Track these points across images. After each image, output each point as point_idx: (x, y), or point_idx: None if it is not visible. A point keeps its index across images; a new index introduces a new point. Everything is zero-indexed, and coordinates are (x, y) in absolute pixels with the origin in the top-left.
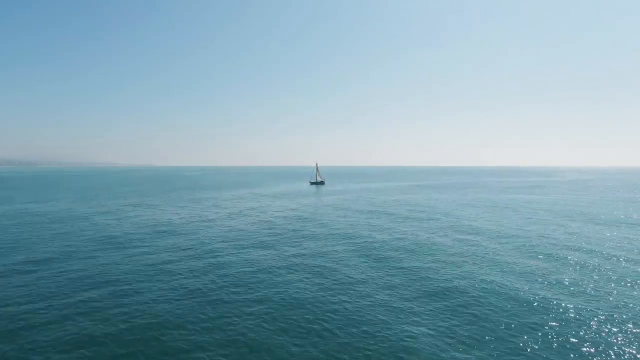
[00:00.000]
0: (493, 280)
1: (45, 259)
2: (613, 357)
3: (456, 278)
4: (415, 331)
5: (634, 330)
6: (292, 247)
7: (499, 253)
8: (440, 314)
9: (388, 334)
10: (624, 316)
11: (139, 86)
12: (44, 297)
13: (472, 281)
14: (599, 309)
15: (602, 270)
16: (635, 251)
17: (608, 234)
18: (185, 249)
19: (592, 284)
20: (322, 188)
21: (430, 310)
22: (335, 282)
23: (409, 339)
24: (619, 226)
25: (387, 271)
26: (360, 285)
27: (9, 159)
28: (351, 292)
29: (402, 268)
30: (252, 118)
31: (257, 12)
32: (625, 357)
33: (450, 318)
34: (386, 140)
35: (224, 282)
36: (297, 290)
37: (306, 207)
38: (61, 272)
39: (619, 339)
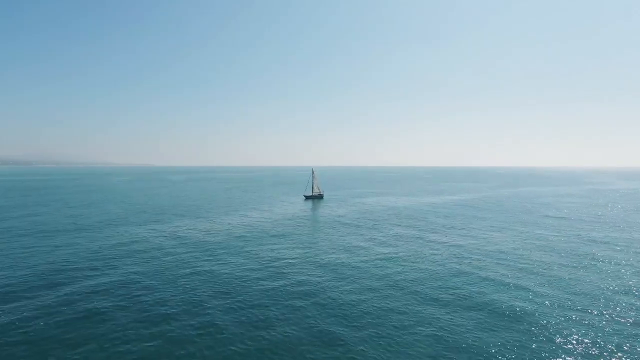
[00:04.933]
0: None
1: None
2: None
3: None
4: None
5: None
6: None
7: None
8: None
9: None
10: None
11: (138, 86)
12: None
13: None
14: None
15: None
16: None
17: None
18: None
19: None
20: (320, 207)
21: None
22: None
23: None
24: None
25: None
26: None
27: (5, 159)
28: None
29: None
30: (252, 118)
31: (257, 12)
32: None
33: None
34: (387, 140)
35: None
36: None
37: (281, 296)
38: None
39: None
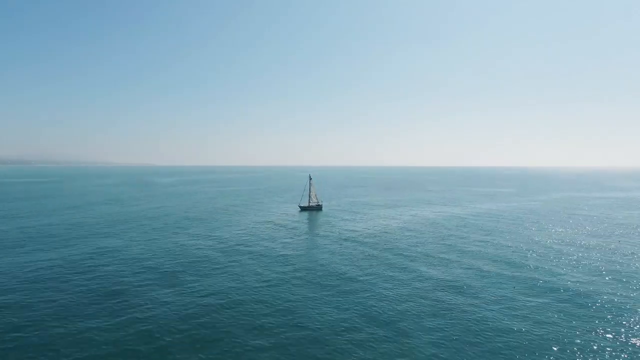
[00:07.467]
0: None
1: None
2: None
3: None
4: None
5: None
6: None
7: None
8: None
9: None
10: None
11: (138, 86)
12: None
13: None
14: None
15: None
16: None
17: None
18: None
19: None
20: (317, 223)
21: None
22: None
23: None
24: None
25: None
26: None
27: (5, 159)
28: None
29: None
30: (252, 118)
31: (257, 12)
32: None
33: None
34: (387, 140)
35: None
36: None
37: None
38: None
39: None
